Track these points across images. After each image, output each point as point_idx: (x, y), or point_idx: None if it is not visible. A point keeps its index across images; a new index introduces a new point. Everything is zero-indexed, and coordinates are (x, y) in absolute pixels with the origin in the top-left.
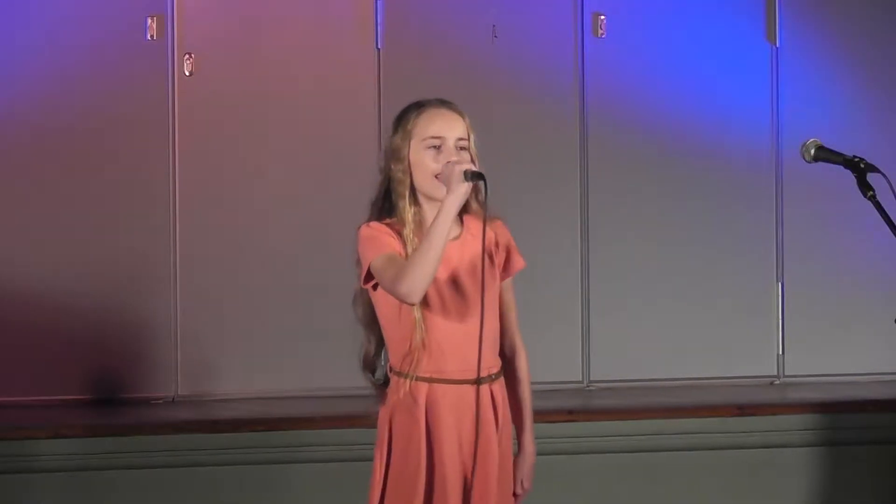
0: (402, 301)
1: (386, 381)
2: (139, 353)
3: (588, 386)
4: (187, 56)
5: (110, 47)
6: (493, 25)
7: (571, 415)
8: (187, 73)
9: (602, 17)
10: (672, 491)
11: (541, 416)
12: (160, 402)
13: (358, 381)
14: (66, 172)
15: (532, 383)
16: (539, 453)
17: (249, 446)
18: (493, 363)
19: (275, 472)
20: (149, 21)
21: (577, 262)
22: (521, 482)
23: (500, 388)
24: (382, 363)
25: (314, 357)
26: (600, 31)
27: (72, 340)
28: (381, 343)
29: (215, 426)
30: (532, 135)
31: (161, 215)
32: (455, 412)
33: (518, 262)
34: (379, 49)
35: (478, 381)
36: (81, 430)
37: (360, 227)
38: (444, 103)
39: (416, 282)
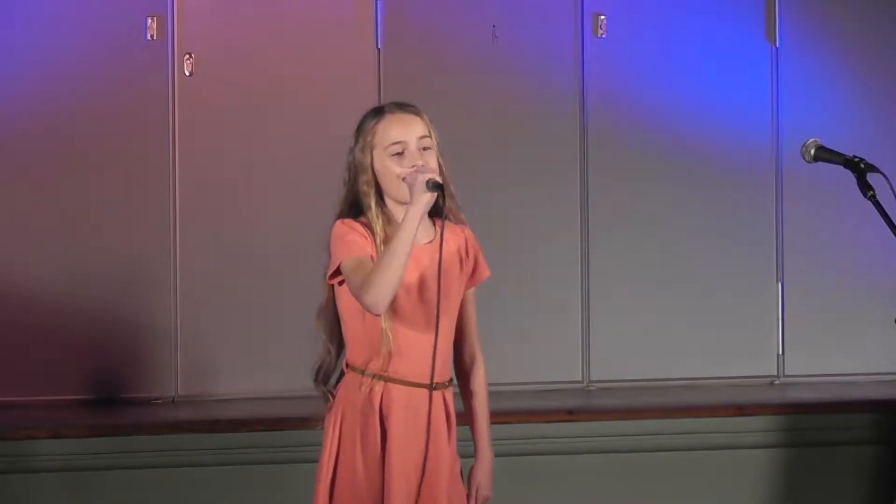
0: (367, 311)
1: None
2: (139, 353)
3: (588, 386)
4: (187, 56)
5: (110, 47)
6: (494, 25)
7: (571, 415)
8: (187, 73)
9: (602, 17)
10: (672, 491)
11: (541, 416)
12: (160, 402)
13: None
14: (66, 172)
15: (532, 383)
16: (539, 453)
17: (249, 446)
18: (446, 370)
19: (275, 472)
20: (149, 21)
21: (577, 261)
22: (478, 489)
23: (450, 395)
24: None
25: (313, 357)
26: (600, 31)
27: (72, 341)
28: (339, 354)
29: (215, 426)
30: (532, 134)
31: (161, 215)
32: (407, 413)
33: (484, 272)
34: (379, 49)
35: (431, 387)
36: (81, 430)
37: (334, 224)
38: (400, 106)
39: (380, 294)
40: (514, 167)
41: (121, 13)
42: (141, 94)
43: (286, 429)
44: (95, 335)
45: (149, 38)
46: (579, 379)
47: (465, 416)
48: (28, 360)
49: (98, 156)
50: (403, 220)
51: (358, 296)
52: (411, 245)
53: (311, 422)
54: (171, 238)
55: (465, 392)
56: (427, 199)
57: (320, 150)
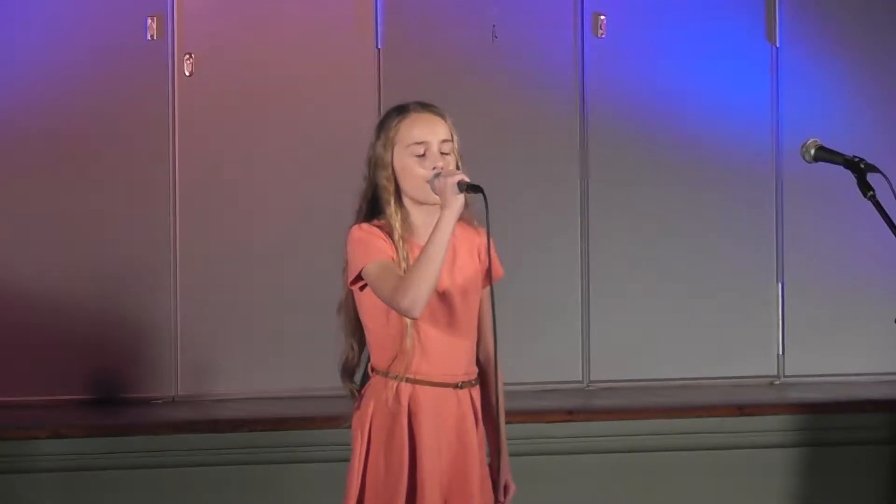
0: (402, 315)
1: (361, 385)
2: (139, 353)
3: (588, 386)
4: (187, 56)
5: (110, 47)
6: (493, 25)
7: (571, 415)
8: (187, 73)
9: (602, 17)
10: (672, 491)
11: (541, 416)
12: (160, 402)
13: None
14: (66, 172)
15: (532, 383)
16: (539, 453)
17: (249, 446)
18: (472, 369)
19: (275, 472)
20: (149, 21)
21: (577, 261)
22: (506, 484)
23: (477, 393)
24: (361, 368)
25: (313, 357)
26: (600, 31)
27: (72, 340)
28: (362, 350)
29: (215, 426)
30: (532, 134)
31: (161, 215)
32: (436, 415)
33: (498, 271)
34: (379, 49)
35: (459, 385)
36: (81, 430)
37: (350, 228)
38: (424, 106)
39: (418, 298)
40: (514, 167)
41: (121, 13)
42: (141, 94)
43: (286, 429)
44: (95, 335)
45: (149, 38)
46: (579, 379)
47: (483, 413)
48: (28, 360)
49: (98, 156)
50: (438, 223)
51: (391, 300)
52: (447, 249)
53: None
54: (171, 238)
55: (481, 389)
56: (461, 202)
57: (320, 150)
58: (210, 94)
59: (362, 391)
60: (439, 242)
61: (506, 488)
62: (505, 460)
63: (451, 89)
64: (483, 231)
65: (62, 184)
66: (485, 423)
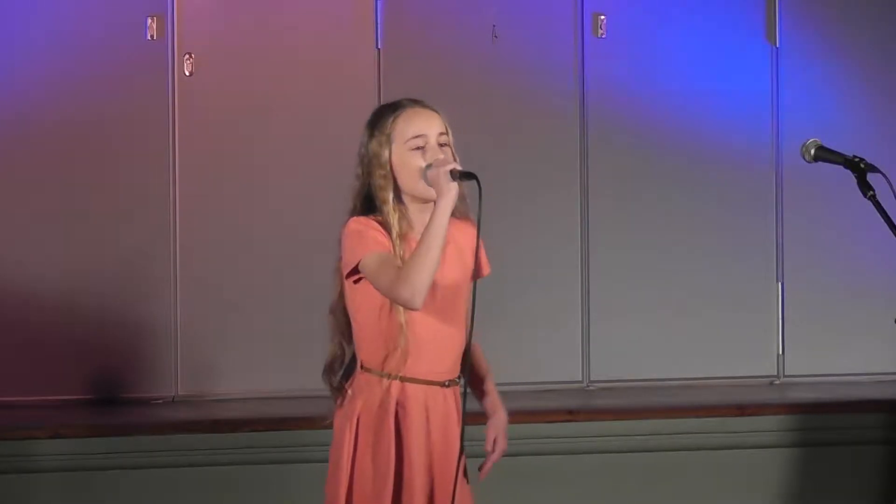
0: (403, 306)
1: (342, 382)
2: (139, 353)
3: (588, 386)
4: (187, 56)
5: (110, 47)
6: (493, 25)
7: (571, 415)
8: (187, 73)
9: (602, 17)
10: (672, 491)
11: (541, 416)
12: (160, 402)
13: None
14: (67, 172)
15: (532, 383)
16: (539, 453)
17: (249, 446)
18: (457, 367)
19: (275, 472)
20: (149, 21)
21: (577, 262)
22: (496, 441)
23: (458, 392)
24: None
25: (314, 357)
26: (600, 31)
27: (72, 340)
28: (350, 348)
29: (215, 426)
30: (532, 135)
31: (161, 215)
32: (424, 413)
33: (485, 268)
34: (379, 49)
35: (446, 384)
36: (81, 430)
37: (346, 222)
38: (417, 102)
39: (418, 287)
40: (514, 167)
41: (121, 13)
42: (141, 94)
43: (286, 429)
44: (95, 335)
45: (149, 38)
46: (579, 379)
47: (471, 384)
48: (28, 360)
49: (98, 155)
50: (434, 213)
51: (391, 291)
52: (444, 238)
53: (318, 420)
54: (171, 238)
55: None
56: (455, 190)
57: (320, 150)
58: (210, 94)
59: (346, 388)
60: (436, 231)
61: (496, 444)
62: (499, 416)
63: (451, 89)
64: (470, 225)
65: (62, 184)
66: (476, 390)
